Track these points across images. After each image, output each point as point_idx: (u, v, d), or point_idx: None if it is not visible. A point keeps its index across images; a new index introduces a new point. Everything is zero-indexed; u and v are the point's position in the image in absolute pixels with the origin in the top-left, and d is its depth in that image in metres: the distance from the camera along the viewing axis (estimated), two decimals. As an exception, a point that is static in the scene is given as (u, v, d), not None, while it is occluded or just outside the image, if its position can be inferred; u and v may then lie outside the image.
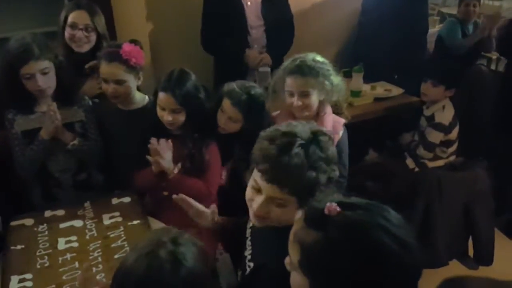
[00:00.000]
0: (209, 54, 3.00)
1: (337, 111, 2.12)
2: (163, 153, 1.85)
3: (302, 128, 1.22)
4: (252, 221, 1.30)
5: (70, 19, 2.24)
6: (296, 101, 1.95)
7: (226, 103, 2.00)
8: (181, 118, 1.92)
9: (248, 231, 1.45)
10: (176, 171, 1.90)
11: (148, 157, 1.86)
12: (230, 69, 2.79)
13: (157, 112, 1.94)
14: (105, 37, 2.31)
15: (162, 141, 1.87)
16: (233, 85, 2.02)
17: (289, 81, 1.96)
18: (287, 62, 1.99)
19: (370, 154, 3.16)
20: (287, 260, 0.99)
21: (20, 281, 1.55)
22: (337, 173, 1.24)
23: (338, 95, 2.04)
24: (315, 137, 1.20)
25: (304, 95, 1.94)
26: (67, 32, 2.23)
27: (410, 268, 0.87)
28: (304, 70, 1.92)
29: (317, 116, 2.00)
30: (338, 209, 0.89)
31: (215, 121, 2.04)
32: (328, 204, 0.89)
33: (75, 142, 2.01)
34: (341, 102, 2.13)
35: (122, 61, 1.98)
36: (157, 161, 1.85)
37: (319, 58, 2.00)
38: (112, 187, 2.15)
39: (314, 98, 1.96)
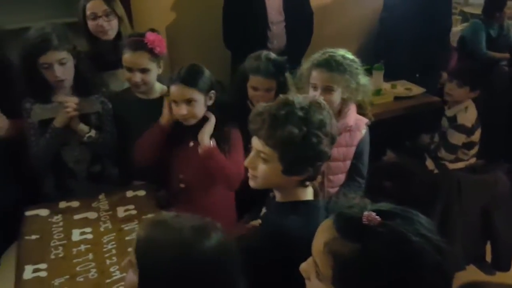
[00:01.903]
0: (228, 49, 2.98)
1: (360, 111, 2.07)
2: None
3: (301, 98, 1.32)
4: (250, 184, 1.39)
5: (88, 10, 2.24)
6: (318, 95, 1.92)
7: (256, 79, 2.10)
8: (195, 110, 1.87)
9: (262, 213, 1.50)
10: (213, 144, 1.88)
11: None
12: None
13: (172, 108, 1.91)
14: (123, 20, 2.32)
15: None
16: (252, 62, 2.12)
17: (315, 74, 1.93)
18: (316, 54, 1.96)
19: (387, 155, 3.11)
20: (303, 266, 0.96)
21: (35, 270, 1.55)
22: (323, 146, 1.28)
23: (363, 95, 1.99)
24: (307, 104, 1.29)
25: (328, 90, 1.90)
26: (90, 24, 2.23)
27: (447, 274, 0.85)
28: (332, 65, 1.88)
29: (340, 112, 1.96)
30: (378, 218, 0.85)
31: (236, 109, 2.04)
32: (366, 213, 0.86)
33: (91, 134, 2.01)
34: (366, 103, 2.09)
35: (147, 49, 1.98)
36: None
37: (349, 55, 1.95)
38: (128, 180, 2.14)
39: (337, 95, 1.92)
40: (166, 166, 2.00)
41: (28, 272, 1.55)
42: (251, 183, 1.38)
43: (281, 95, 1.38)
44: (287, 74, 2.17)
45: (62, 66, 1.90)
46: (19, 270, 1.56)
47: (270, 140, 1.27)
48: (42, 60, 1.87)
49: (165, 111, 1.92)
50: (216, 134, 1.93)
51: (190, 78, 1.85)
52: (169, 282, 0.97)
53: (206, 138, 1.87)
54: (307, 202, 1.35)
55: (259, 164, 1.32)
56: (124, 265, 1.07)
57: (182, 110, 1.85)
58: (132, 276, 1.03)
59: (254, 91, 2.13)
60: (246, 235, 1.49)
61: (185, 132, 1.93)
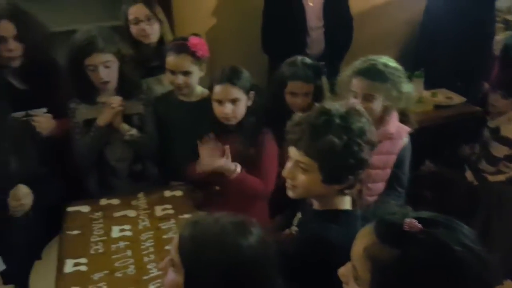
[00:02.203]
0: (267, 55, 3.00)
1: (403, 118, 2.03)
2: (221, 158, 1.88)
3: (338, 105, 1.32)
4: (289, 194, 1.38)
5: (130, 15, 2.31)
6: (358, 103, 1.91)
7: (295, 85, 2.12)
8: (239, 110, 1.92)
9: (296, 220, 1.50)
10: (238, 171, 1.91)
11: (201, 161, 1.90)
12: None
13: (214, 108, 1.96)
14: (165, 24, 2.38)
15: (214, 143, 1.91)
16: (289, 68, 2.15)
17: (355, 82, 1.91)
18: (357, 62, 1.94)
19: (426, 164, 3.04)
20: (342, 271, 0.96)
21: (75, 264, 1.61)
22: (364, 154, 1.27)
23: (406, 103, 1.96)
24: (345, 111, 1.29)
25: (368, 98, 1.88)
26: (133, 28, 2.31)
27: (488, 286, 0.84)
28: (372, 74, 1.86)
29: (381, 119, 1.94)
30: (419, 226, 0.85)
31: (272, 115, 2.06)
32: (407, 220, 0.85)
33: (133, 132, 2.06)
34: (409, 110, 2.06)
35: (189, 52, 2.04)
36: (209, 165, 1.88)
37: (391, 63, 1.92)
38: (167, 179, 2.19)
39: (378, 103, 1.89)
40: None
41: (69, 266, 1.60)
42: (290, 194, 1.37)
43: (317, 104, 1.37)
44: (324, 79, 2.18)
45: (107, 68, 1.96)
46: (61, 263, 1.62)
47: (310, 150, 1.27)
48: (87, 62, 1.94)
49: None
50: (249, 140, 1.96)
51: (235, 77, 1.90)
52: (216, 279, 0.98)
53: (231, 166, 1.89)
54: (346, 211, 1.35)
55: (298, 174, 1.32)
56: (165, 264, 1.09)
57: (227, 109, 1.89)
58: (174, 276, 1.04)
59: (292, 97, 2.15)
60: (283, 242, 1.48)
61: (221, 137, 1.95)
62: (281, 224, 1.71)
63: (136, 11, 2.29)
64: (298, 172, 1.32)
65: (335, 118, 1.26)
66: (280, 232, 1.58)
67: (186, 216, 1.84)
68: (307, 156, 1.28)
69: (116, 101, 2.00)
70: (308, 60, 2.20)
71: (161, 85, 2.35)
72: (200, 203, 2.01)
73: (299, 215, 1.52)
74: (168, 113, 2.18)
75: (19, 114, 1.99)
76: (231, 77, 1.90)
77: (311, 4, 2.86)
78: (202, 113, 2.04)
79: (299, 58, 2.20)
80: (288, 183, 1.37)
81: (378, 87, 1.86)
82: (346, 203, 1.36)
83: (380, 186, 1.99)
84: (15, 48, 1.95)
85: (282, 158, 1.96)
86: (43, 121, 2.03)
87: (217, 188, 2.02)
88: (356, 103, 1.90)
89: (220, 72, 1.94)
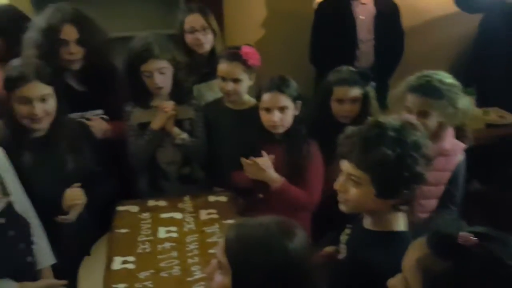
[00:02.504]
0: (315, 66, 3.01)
1: (459, 134, 1.99)
2: (266, 167, 1.89)
3: (392, 119, 1.30)
4: (340, 208, 1.37)
5: (186, 24, 2.38)
6: (273, 116, 1.93)
7: (341, 90, 2.10)
8: (286, 118, 1.94)
9: (345, 237, 1.46)
10: (281, 181, 1.92)
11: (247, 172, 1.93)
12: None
13: (261, 117, 1.98)
14: (218, 34, 2.45)
15: (265, 155, 1.92)
16: (336, 74, 2.14)
17: (410, 98, 1.87)
18: (412, 77, 1.91)
19: (473, 184, 2.95)
20: (392, 282, 0.96)
21: (123, 262, 1.66)
22: (419, 167, 1.24)
23: (462, 119, 1.92)
24: (400, 124, 1.27)
25: (423, 114, 1.83)
26: (188, 37, 2.38)
27: None
28: (428, 90, 1.81)
29: (436, 135, 1.90)
30: (474, 239, 0.84)
31: (318, 125, 2.07)
32: (462, 233, 0.85)
33: (184, 136, 2.12)
34: (465, 126, 2.01)
35: (241, 60, 2.10)
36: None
37: (447, 79, 1.86)
38: (212, 184, 2.24)
39: (433, 120, 1.84)
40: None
41: (117, 263, 1.66)
42: (342, 207, 1.36)
43: (370, 118, 1.37)
44: (371, 88, 2.16)
45: (161, 75, 2.03)
46: (109, 260, 1.68)
47: (362, 163, 1.26)
48: (143, 68, 2.01)
49: None
50: (295, 150, 1.96)
51: (284, 85, 1.93)
52: (263, 280, 0.99)
53: (274, 175, 1.91)
54: (399, 234, 1.30)
55: (350, 188, 1.30)
56: (212, 269, 1.10)
57: (275, 116, 1.91)
58: (221, 278, 1.06)
59: (339, 104, 2.12)
60: (328, 261, 1.46)
61: (268, 146, 1.97)
62: (326, 239, 1.68)
63: (192, 20, 2.36)
64: (350, 185, 1.30)
65: (389, 131, 1.25)
66: (324, 247, 1.57)
67: (230, 221, 1.87)
68: (359, 169, 1.26)
69: (169, 105, 2.07)
70: (354, 68, 2.20)
71: (211, 91, 2.40)
72: (243, 209, 2.03)
73: (347, 231, 1.48)
74: (216, 120, 2.23)
75: (76, 115, 2.09)
76: (280, 85, 1.93)
77: (362, 17, 2.86)
78: (248, 121, 2.07)
79: (345, 66, 2.20)
80: (340, 197, 1.35)
81: (433, 104, 1.82)
82: (400, 221, 1.31)
83: (432, 203, 1.94)
84: (76, 52, 2.05)
85: (328, 170, 1.98)
86: (97, 124, 2.12)
87: (261, 195, 2.03)
88: (411, 117, 1.88)
89: (269, 80, 1.97)
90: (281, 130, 1.96)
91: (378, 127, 1.27)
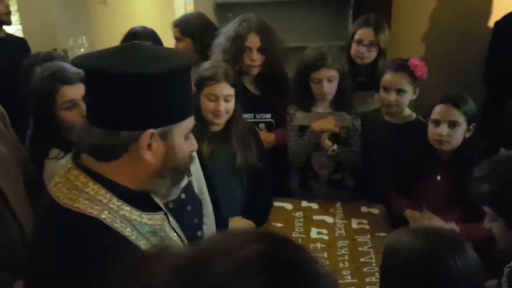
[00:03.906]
0: (487, 86, 2.85)
1: None
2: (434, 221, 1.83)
3: None
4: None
5: (356, 35, 2.45)
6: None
7: None
8: (456, 135, 1.84)
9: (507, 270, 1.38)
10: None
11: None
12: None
13: (428, 130, 1.91)
14: (384, 52, 2.45)
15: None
16: None
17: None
18: None
19: None
20: None
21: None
22: None
23: None
24: None
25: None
26: (353, 47, 2.45)
27: None
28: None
29: None
30: None
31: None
32: None
33: (335, 148, 2.20)
34: None
35: (408, 72, 2.10)
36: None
37: None
38: (361, 193, 2.28)
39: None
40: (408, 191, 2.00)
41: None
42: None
43: None
44: None
45: (329, 82, 2.14)
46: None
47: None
48: (314, 75, 2.14)
49: None
50: (465, 175, 1.86)
51: (460, 100, 1.84)
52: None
53: (446, 225, 1.78)
54: None
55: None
56: None
57: (443, 130, 1.83)
58: None
59: None
60: None
61: (434, 165, 1.93)
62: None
63: (362, 33, 2.42)
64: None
65: None
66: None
67: (382, 234, 1.90)
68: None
69: (332, 122, 2.17)
70: None
71: (365, 101, 2.44)
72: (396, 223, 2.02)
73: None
74: (373, 131, 2.26)
75: (248, 115, 2.30)
76: (456, 99, 1.84)
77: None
78: (407, 135, 2.06)
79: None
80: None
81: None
82: None
83: None
84: (257, 59, 2.25)
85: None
86: (264, 136, 2.28)
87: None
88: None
89: (444, 93, 1.90)
90: (446, 147, 1.85)
91: None
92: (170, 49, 1.05)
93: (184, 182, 1.08)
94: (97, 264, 0.81)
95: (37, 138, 1.77)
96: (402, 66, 2.12)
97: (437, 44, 3.25)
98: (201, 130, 1.98)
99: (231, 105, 1.94)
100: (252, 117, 2.33)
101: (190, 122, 1.01)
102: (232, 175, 2.02)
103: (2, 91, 1.88)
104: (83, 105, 1.64)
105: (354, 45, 2.46)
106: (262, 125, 2.38)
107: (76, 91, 1.66)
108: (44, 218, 0.97)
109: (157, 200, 1.09)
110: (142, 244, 0.95)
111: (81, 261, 0.85)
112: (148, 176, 0.98)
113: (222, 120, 1.96)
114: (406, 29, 3.20)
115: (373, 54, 2.43)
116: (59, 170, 1.58)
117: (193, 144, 1.05)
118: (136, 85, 0.91)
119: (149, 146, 0.94)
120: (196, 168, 1.86)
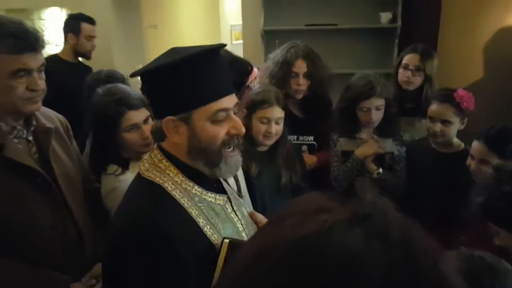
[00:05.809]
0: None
1: None
2: None
3: None
4: None
5: (404, 60, 2.49)
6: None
7: None
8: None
9: None
10: None
11: None
12: None
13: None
14: (430, 80, 2.48)
15: None
16: None
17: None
18: None
19: None
20: None
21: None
22: None
23: None
24: None
25: None
26: (400, 72, 2.49)
27: None
28: None
29: None
30: None
31: None
32: None
33: (380, 171, 2.22)
34: None
35: (453, 103, 2.10)
36: None
37: None
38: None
39: None
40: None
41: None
42: None
43: None
44: None
45: (378, 111, 2.18)
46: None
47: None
48: (364, 104, 2.18)
49: None
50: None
51: (497, 141, 1.84)
52: None
53: None
54: None
55: None
56: None
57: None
58: None
59: None
60: None
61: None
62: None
63: (408, 58, 2.47)
64: None
65: None
66: None
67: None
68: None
69: (379, 145, 2.20)
70: None
71: (413, 127, 2.46)
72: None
73: None
74: (419, 159, 2.27)
75: (291, 137, 2.37)
76: (491, 139, 1.86)
77: None
78: (455, 165, 2.06)
79: None
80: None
81: None
82: None
83: None
84: (303, 84, 2.34)
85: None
86: (307, 158, 2.34)
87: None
88: None
89: (488, 128, 1.91)
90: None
91: None
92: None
93: (237, 166, 1.21)
94: (159, 213, 1.10)
95: (96, 153, 1.89)
96: (448, 97, 2.12)
97: (485, 73, 3.22)
98: (249, 151, 2.06)
99: (281, 127, 2.01)
100: (295, 139, 2.40)
101: (213, 106, 1.12)
102: (278, 195, 2.07)
103: (70, 108, 2.03)
104: (144, 128, 1.76)
105: (401, 70, 2.51)
106: (304, 147, 2.44)
107: (139, 116, 1.78)
108: (131, 183, 1.24)
109: (225, 185, 1.33)
110: (194, 212, 1.14)
111: (148, 211, 1.11)
112: (186, 156, 1.17)
113: (272, 142, 2.03)
114: (452, 58, 3.20)
115: (418, 79, 2.47)
116: (118, 185, 1.72)
117: (222, 128, 1.15)
118: (153, 79, 1.13)
119: (177, 129, 1.13)
120: (244, 189, 1.92)
